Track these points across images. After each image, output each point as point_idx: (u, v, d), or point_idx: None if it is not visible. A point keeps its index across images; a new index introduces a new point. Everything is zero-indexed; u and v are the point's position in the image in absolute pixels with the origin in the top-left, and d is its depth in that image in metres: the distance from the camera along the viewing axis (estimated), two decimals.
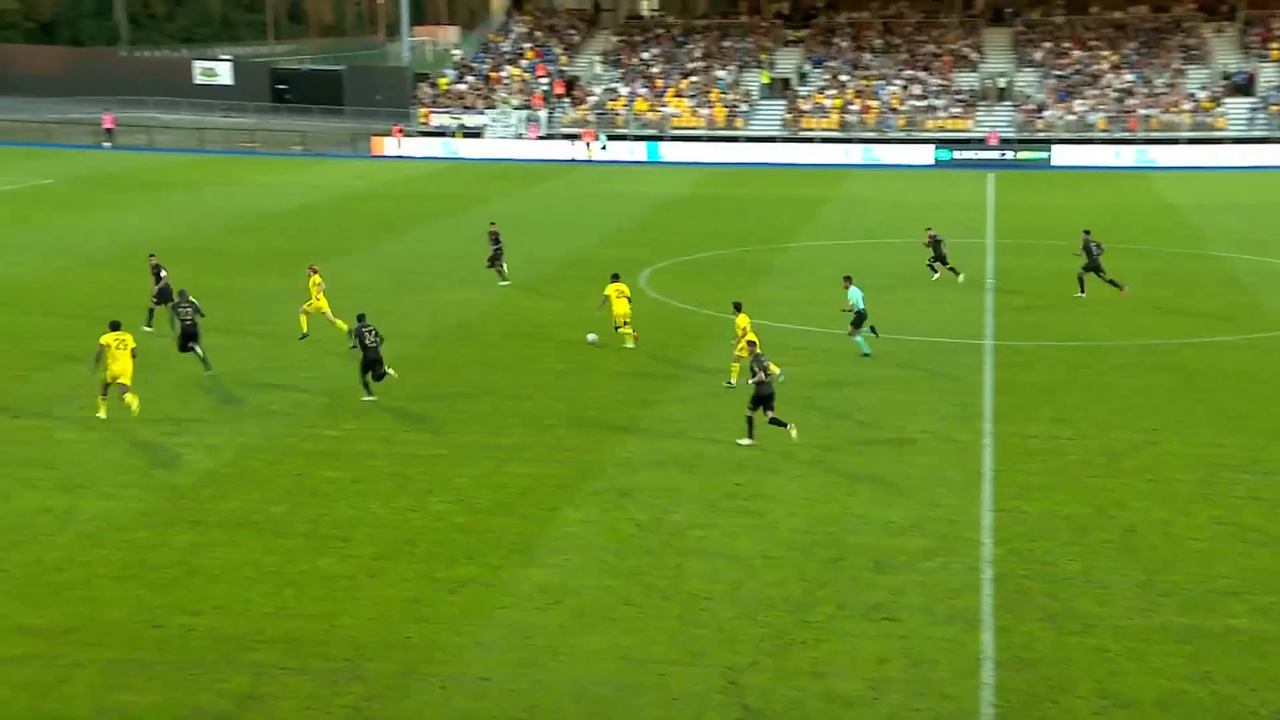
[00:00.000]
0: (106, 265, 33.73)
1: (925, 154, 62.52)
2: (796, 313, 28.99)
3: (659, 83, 70.27)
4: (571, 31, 78.13)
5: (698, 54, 73.19)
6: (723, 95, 68.56)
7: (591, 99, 69.43)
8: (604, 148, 64.32)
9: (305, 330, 25.54)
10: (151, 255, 27.99)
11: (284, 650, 13.21)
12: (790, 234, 40.55)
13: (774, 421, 19.45)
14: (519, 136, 67.51)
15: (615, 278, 25.93)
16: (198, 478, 18.01)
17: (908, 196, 50.28)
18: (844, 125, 65.44)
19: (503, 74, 72.49)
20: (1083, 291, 29.98)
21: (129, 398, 19.75)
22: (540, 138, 67.13)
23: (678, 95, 68.87)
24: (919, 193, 51.54)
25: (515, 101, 69.54)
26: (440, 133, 68.34)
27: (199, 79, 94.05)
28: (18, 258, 34.01)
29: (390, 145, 66.75)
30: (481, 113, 69.07)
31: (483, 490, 17.86)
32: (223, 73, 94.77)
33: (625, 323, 25.36)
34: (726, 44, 74.09)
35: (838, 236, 40.40)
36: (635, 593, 14.65)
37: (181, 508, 16.88)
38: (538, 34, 77.67)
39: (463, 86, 71.81)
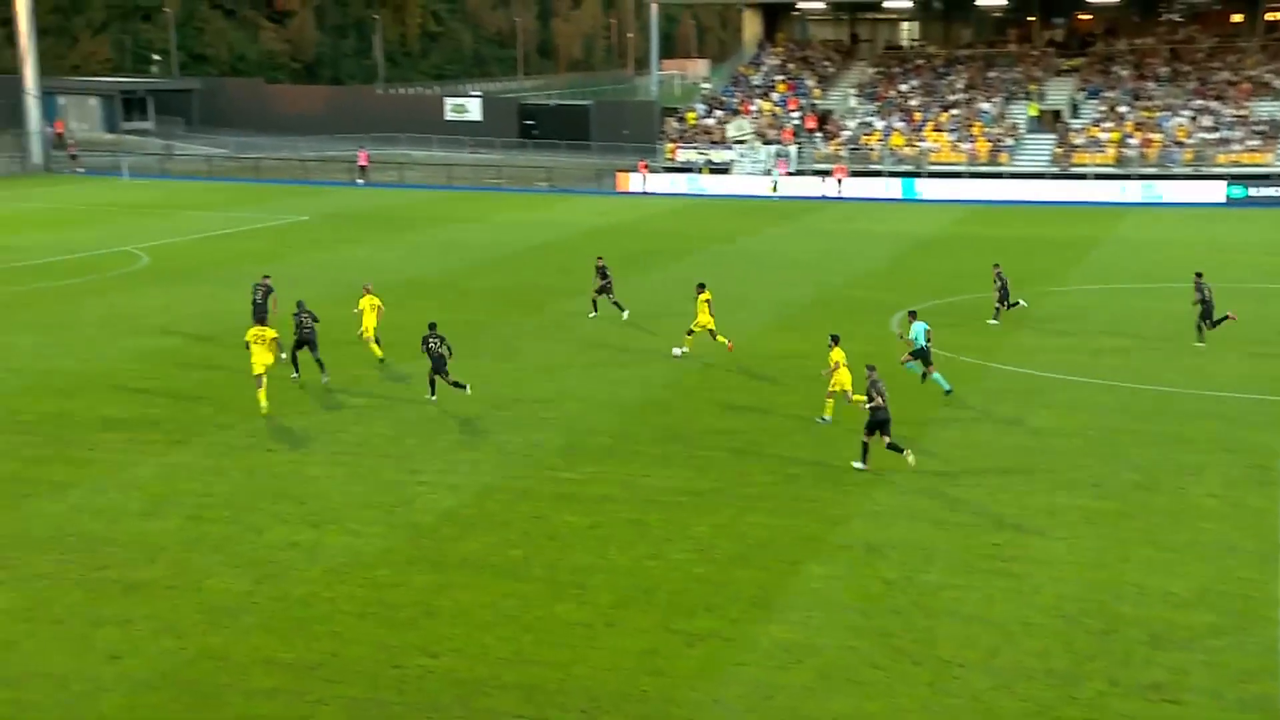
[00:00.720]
0: (351, 302, 35.82)
1: (1216, 191, 59.22)
2: (1063, 361, 27.88)
3: (917, 116, 69.33)
4: (826, 63, 78.14)
5: (960, 85, 71.85)
6: (986, 129, 66.99)
7: (845, 133, 69.13)
8: (774, 186, 64.50)
9: (381, 356, 27.59)
10: (266, 277, 30.46)
11: (520, 698, 13.56)
12: (1057, 277, 39.09)
13: (891, 447, 20.23)
14: (767, 173, 67.84)
15: (701, 287, 28.25)
16: (438, 517, 18.78)
17: (1194, 237, 47.68)
18: (1121, 160, 62.76)
19: (752, 107, 73.14)
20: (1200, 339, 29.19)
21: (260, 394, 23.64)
22: (790, 174, 67.26)
23: (937, 129, 67.74)
24: (1207, 233, 48.81)
25: (758, 136, 69.95)
26: (686, 168, 69.47)
27: (449, 115, 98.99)
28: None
29: (635, 181, 68.32)
30: (729, 148, 69.83)
31: (722, 540, 17.90)
32: (472, 109, 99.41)
33: (711, 331, 27.88)
34: (992, 74, 72.45)
35: (1110, 280, 38.67)
36: (882, 655, 14.34)
37: (422, 547, 17.63)
38: (790, 66, 78.07)
39: (711, 120, 72.84)
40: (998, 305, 31.88)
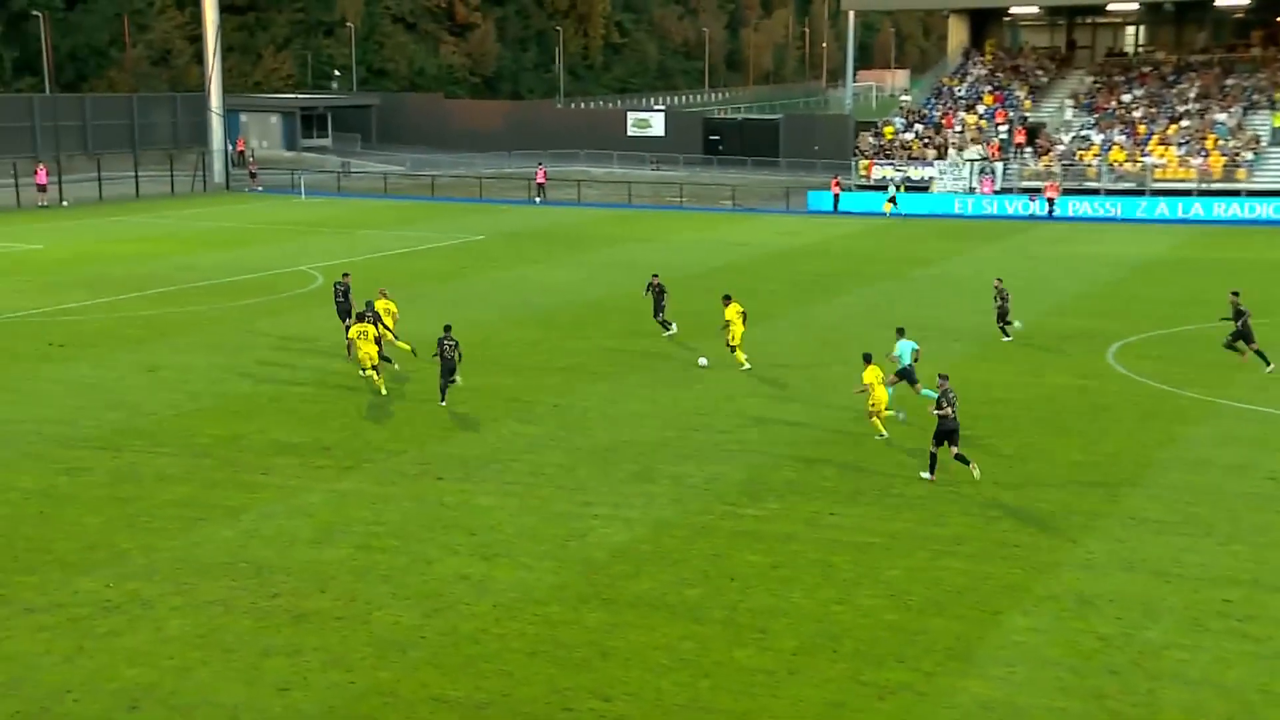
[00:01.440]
0: (526, 324, 36.49)
1: None
2: None
3: (1141, 129, 67.02)
4: (1039, 72, 76.33)
5: (1192, 94, 69.20)
6: (1222, 142, 64.27)
7: (1057, 148, 67.31)
8: (893, 200, 63.26)
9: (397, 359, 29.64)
10: (345, 275, 32.59)
11: None
12: None
13: (959, 458, 21.35)
14: (970, 190, 66.58)
15: (728, 299, 30.06)
16: (612, 552, 18.90)
17: None
18: None
19: (955, 121, 71.91)
20: (1245, 356, 29.12)
21: (379, 381, 27.30)
22: (996, 192, 65.85)
23: (1163, 143, 65.33)
24: None
25: (970, 152, 68.68)
26: (882, 186, 68.72)
27: (631, 130, 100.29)
28: (445, 314, 37.52)
29: (827, 200, 67.87)
30: (929, 164, 68.78)
31: (916, 585, 17.52)
32: (655, 124, 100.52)
33: (735, 346, 29.49)
34: (1230, 82, 69.57)
35: None
36: (1097, 719, 13.80)
37: (595, 583, 17.76)
38: (999, 76, 76.51)
39: (910, 135, 71.90)
40: (1001, 324, 33.00)
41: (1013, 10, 79.50)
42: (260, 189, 76.22)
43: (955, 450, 21.30)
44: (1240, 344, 29.02)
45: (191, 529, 19.48)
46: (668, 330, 33.94)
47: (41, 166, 66.65)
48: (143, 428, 24.93)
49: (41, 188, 65.00)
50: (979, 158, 68.02)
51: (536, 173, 74.77)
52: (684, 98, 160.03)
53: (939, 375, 22.32)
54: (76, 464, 22.51)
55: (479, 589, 17.48)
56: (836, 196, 67.46)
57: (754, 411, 26.37)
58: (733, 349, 29.91)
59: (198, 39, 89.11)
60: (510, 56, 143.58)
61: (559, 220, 63.71)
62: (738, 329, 29.72)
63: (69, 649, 15.41)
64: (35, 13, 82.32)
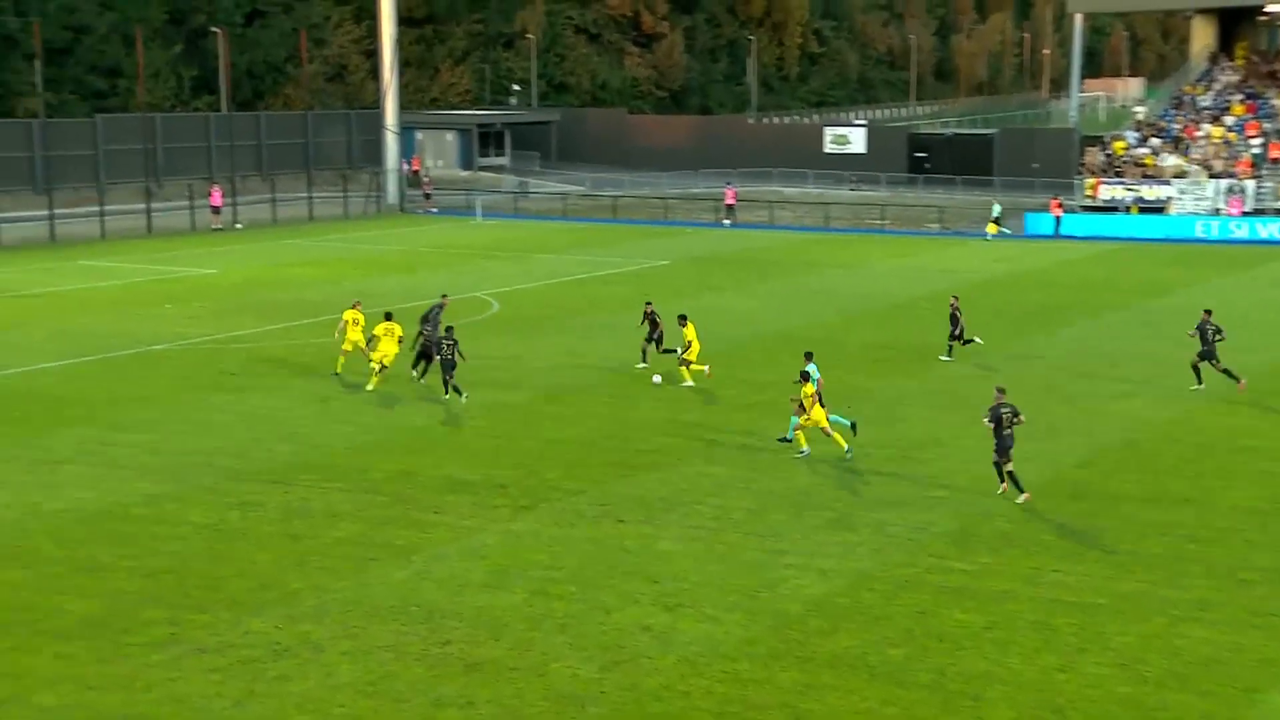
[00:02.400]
0: (712, 356, 36.58)
1: None
2: None
3: None
4: None
5: None
6: None
7: None
8: (996, 222, 61.13)
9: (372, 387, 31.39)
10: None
11: None
12: None
13: (1010, 475, 23.05)
14: (1216, 212, 64.28)
15: (684, 320, 32.49)
16: (806, 606, 18.76)
17: None
18: None
19: (1198, 133, 69.61)
20: (1199, 382, 31.04)
21: (374, 379, 30.87)
22: (1246, 214, 63.43)
23: None
24: None
25: (1203, 169, 66.42)
26: (1111, 208, 66.91)
27: (829, 147, 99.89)
28: (627, 343, 37.94)
29: (1046, 222, 66.40)
30: (1167, 183, 66.69)
31: (1152, 654, 16.93)
32: (855, 139, 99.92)
33: (689, 362, 31.93)
34: None
35: None
36: None
37: (788, 639, 17.64)
38: (1252, 83, 73.79)
39: (1144, 151, 69.87)
40: (956, 342, 35.28)
41: (1270, 8, 76.37)
42: (435, 210, 78.38)
43: (1008, 467, 23.18)
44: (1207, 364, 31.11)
45: (362, 569, 20.06)
46: (642, 364, 34.08)
47: (216, 188, 69.82)
48: (314, 461, 25.82)
49: (215, 210, 68.07)
50: (1225, 175, 65.64)
51: (725, 193, 75.07)
52: (887, 111, 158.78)
53: (996, 389, 23.82)
54: (248, 498, 23.44)
55: (662, 641, 17.54)
56: (1058, 219, 65.93)
57: (964, 457, 25.89)
58: (685, 364, 32.27)
59: (374, 53, 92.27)
60: (699, 68, 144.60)
61: (749, 244, 63.80)
62: (697, 348, 32.25)
63: (239, 693, 16.02)
64: (214, 29, 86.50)
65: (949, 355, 35.39)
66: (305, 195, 75.11)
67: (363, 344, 32.27)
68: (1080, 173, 71.00)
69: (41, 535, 21.35)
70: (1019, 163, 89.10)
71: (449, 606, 18.60)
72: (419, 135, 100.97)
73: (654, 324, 34.32)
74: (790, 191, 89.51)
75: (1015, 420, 23.26)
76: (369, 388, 31.33)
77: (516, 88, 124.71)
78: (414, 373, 32.48)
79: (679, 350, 32.86)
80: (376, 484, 24.40)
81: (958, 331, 35.42)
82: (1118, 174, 68.59)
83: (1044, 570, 19.97)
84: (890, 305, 44.18)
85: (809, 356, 27.96)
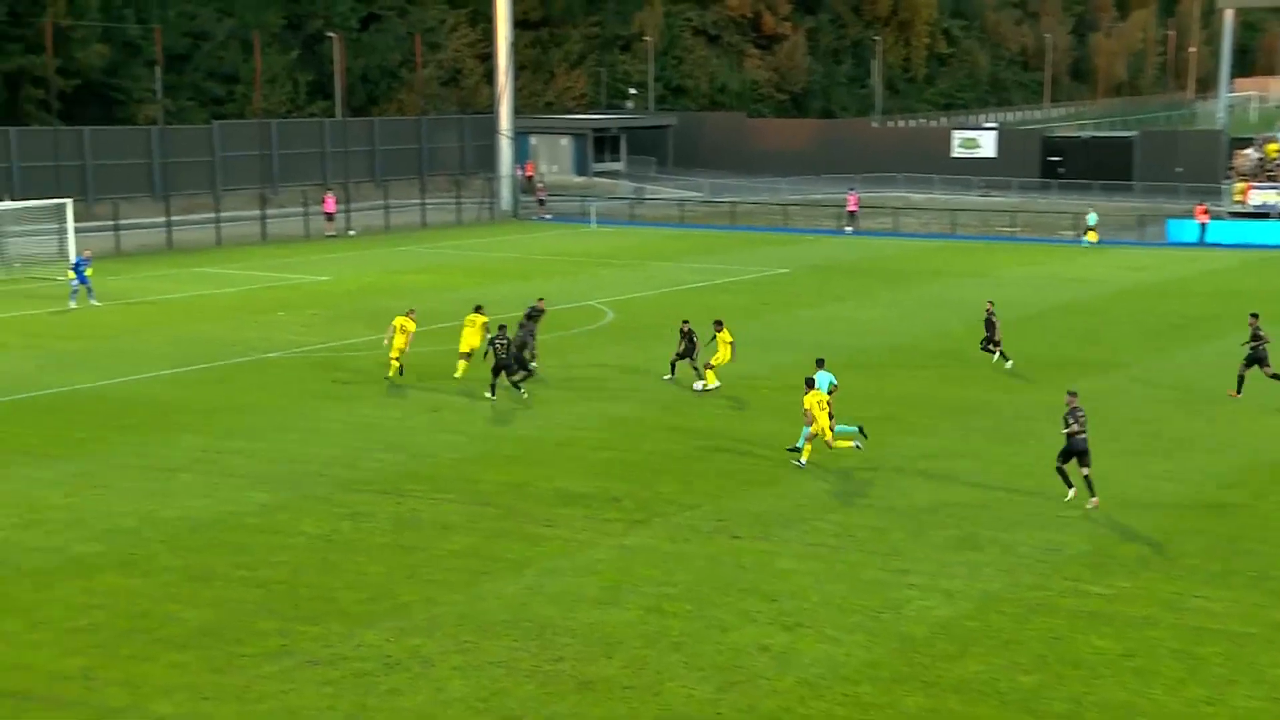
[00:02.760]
0: (832, 368, 36.38)
1: None
2: None
3: None
4: None
5: None
6: None
7: None
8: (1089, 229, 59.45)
9: (394, 373, 33.55)
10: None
11: None
12: None
13: (1087, 481, 23.40)
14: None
15: (719, 325, 33.21)
16: (932, 628, 18.55)
17: None
18: None
19: None
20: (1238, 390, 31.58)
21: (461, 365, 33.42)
22: None
23: None
24: None
25: None
26: (1261, 214, 65.25)
27: (957, 151, 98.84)
28: (743, 354, 37.84)
29: (1190, 229, 64.96)
30: None
31: None
32: (984, 143, 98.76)
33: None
34: None
35: None
36: None
37: (913, 663, 17.46)
38: None
39: None
40: (990, 348, 35.63)
41: None
42: (549, 217, 78.99)
43: (1085, 471, 23.56)
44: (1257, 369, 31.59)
45: (473, 583, 20.27)
46: (670, 376, 34.24)
47: (330, 194, 71.13)
48: (424, 472, 26.16)
49: (329, 216, 69.31)
50: None
51: (848, 199, 74.63)
52: (1019, 114, 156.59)
53: (1068, 392, 24.31)
54: (359, 509, 23.82)
55: (780, 662, 17.46)
56: (1203, 226, 64.45)
57: (1097, 473, 25.42)
58: (708, 365, 33.03)
59: (489, 57, 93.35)
60: (821, 70, 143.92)
61: (872, 252, 63.34)
62: (725, 356, 33.01)
63: (351, 707, 16.27)
64: (330, 34, 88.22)
65: (1005, 361, 35.48)
66: (418, 202, 76.16)
67: (405, 350, 33.55)
68: (1228, 177, 69.35)
69: (157, 543, 21.90)
70: (1161, 166, 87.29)
71: (561, 622, 18.72)
72: (533, 140, 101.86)
73: (691, 342, 33.91)
74: (916, 197, 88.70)
75: (1077, 426, 23.65)
76: (388, 375, 33.73)
77: (633, 91, 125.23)
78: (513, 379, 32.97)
79: (708, 360, 33.38)
80: (488, 495, 24.64)
81: (995, 337, 35.65)
82: (1270, 178, 66.86)
83: (1186, 596, 19.53)
84: (1020, 316, 43.52)
85: (820, 363, 28.21)
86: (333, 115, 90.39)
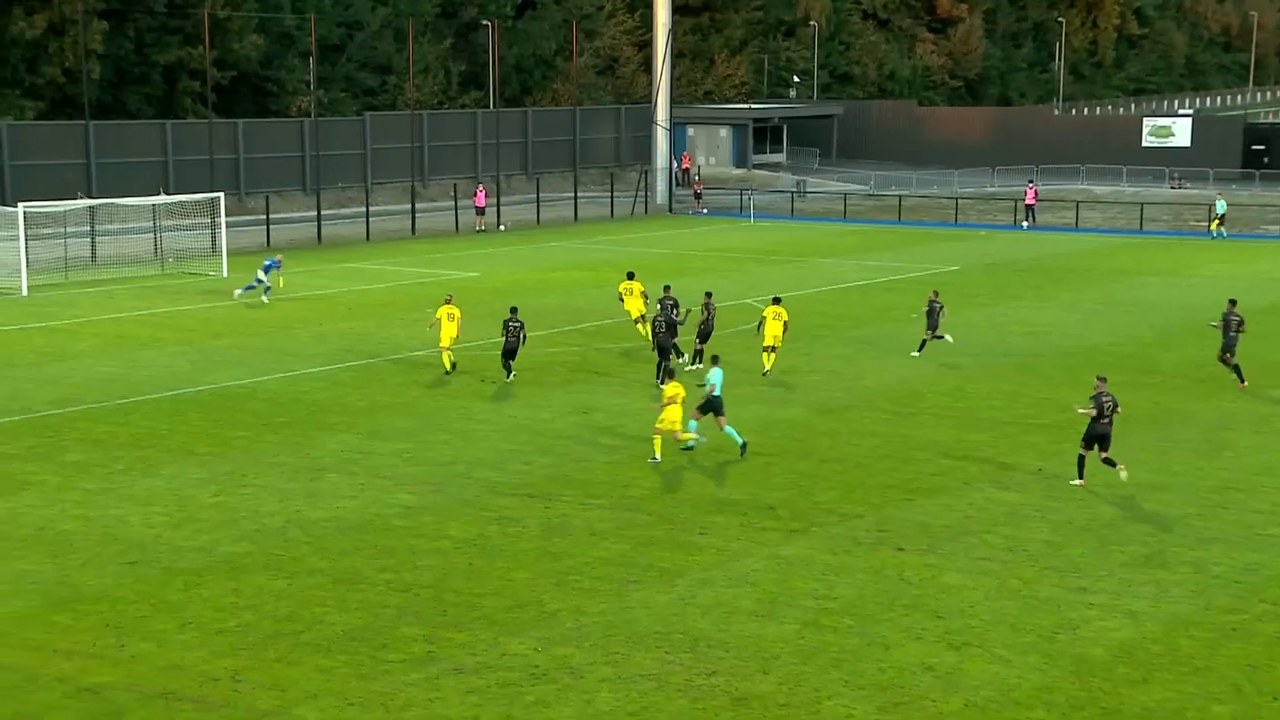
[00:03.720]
0: (1004, 372, 35.77)
1: None
2: None
3: None
4: None
5: None
6: None
7: None
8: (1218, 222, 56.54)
9: (448, 369, 35.00)
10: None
11: None
12: None
13: (1106, 461, 24.63)
14: None
15: (776, 300, 35.43)
16: (1113, 652, 18.17)
17: None
18: None
19: None
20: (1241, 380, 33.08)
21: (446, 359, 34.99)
22: None
23: None
24: None
25: None
26: None
27: (1147, 140, 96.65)
28: (899, 356, 37.43)
29: None
30: None
31: None
32: (1179, 131, 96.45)
33: (773, 347, 34.83)
34: None
35: None
36: None
37: (1091, 688, 17.12)
38: None
39: None
40: (925, 337, 37.16)
41: None
42: (705, 211, 79.12)
43: (1104, 455, 24.73)
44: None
45: (623, 592, 20.41)
46: (693, 366, 35.24)
47: (481, 188, 72.23)
48: (574, 476, 26.41)
49: (480, 210, 70.38)
50: None
51: (1025, 192, 73.42)
52: (1218, 99, 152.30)
53: (1097, 378, 25.50)
54: (507, 513, 24.15)
55: (947, 683, 17.27)
56: None
57: None
58: (770, 349, 34.65)
59: (647, 44, 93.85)
60: (999, 55, 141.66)
61: (1051, 249, 62.20)
62: (776, 328, 34.68)
63: (497, 717, 16.50)
64: (485, 22, 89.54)
65: (919, 351, 37.29)
66: (571, 195, 76.92)
67: (454, 336, 35.05)
68: None
69: (304, 545, 22.48)
70: None
71: (715, 635, 18.75)
72: (690, 131, 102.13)
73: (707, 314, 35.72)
74: (1100, 190, 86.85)
75: (1114, 410, 24.92)
76: (446, 370, 35.01)
77: (796, 79, 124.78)
78: (683, 360, 35.66)
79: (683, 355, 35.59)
80: (638, 502, 24.79)
81: (933, 324, 36.92)
82: None
83: None
84: (1217, 318, 42.31)
85: (715, 360, 28.80)
86: (485, 106, 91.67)
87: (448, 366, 35.08)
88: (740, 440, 27.47)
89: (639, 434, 29.52)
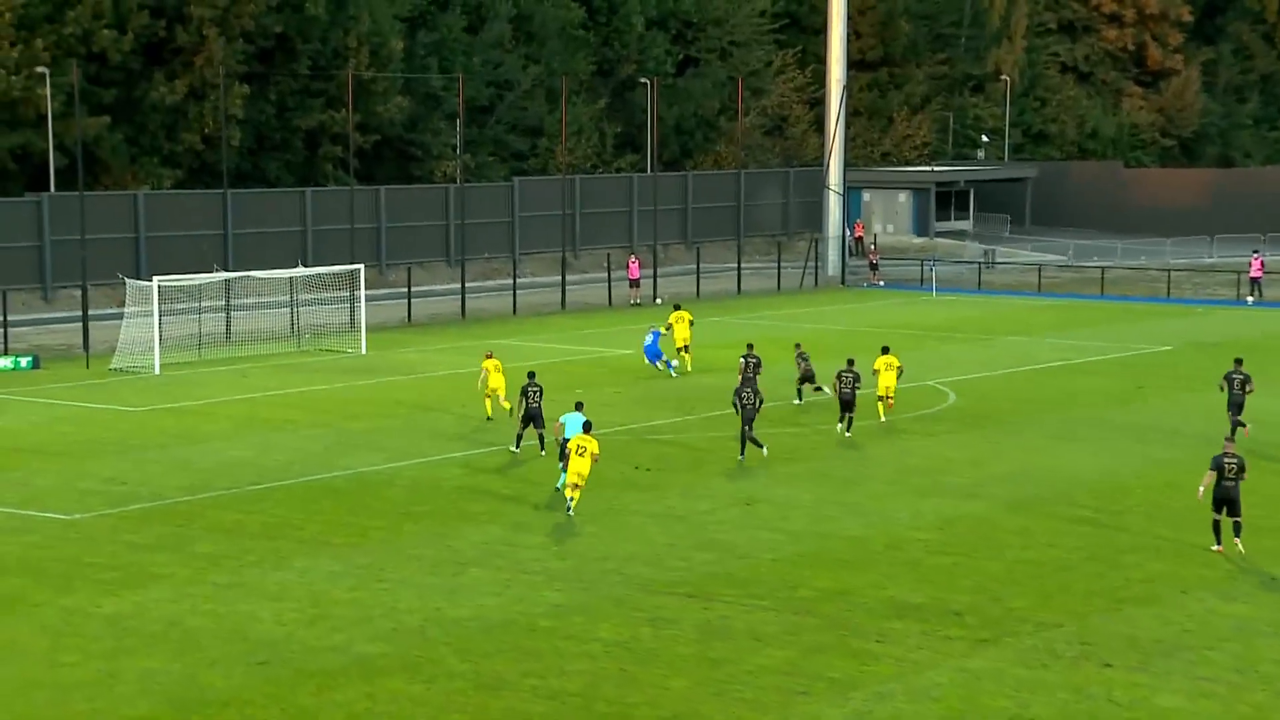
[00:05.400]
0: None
1: None
2: None
3: None
4: None
5: None
6: None
7: None
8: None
9: (491, 414, 39.91)
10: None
11: None
12: None
13: (1236, 528, 26.69)
14: None
15: (886, 350, 40.28)
16: None
17: None
18: None
19: None
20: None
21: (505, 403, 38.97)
22: None
23: None
24: None
25: None
26: None
27: None
28: (1118, 447, 36.68)
29: None
30: None
31: None
32: None
33: (886, 398, 39.77)
34: None
35: None
36: None
37: None
38: None
39: None
40: (799, 386, 42.51)
41: None
42: (881, 283, 78.81)
43: (1235, 519, 26.70)
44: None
45: (790, 705, 20.28)
46: (797, 401, 42.05)
47: (635, 258, 72.82)
48: (736, 573, 26.37)
49: (634, 283, 70.92)
50: None
51: (1250, 263, 71.84)
52: None
53: (1225, 438, 27.26)
54: (661, 613, 24.18)
55: None
56: None
57: None
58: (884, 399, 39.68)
59: (819, 102, 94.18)
60: (1220, 110, 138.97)
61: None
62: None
63: None
64: (643, 79, 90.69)
65: (799, 399, 42.28)
66: (734, 266, 77.20)
67: (504, 390, 39.38)
68: None
69: (444, 646, 22.74)
70: None
71: None
72: (866, 196, 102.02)
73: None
74: None
75: (1239, 474, 26.73)
76: (488, 415, 40.00)
77: (985, 139, 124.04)
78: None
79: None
80: (808, 604, 24.65)
81: (801, 377, 42.25)
82: None
83: None
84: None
85: (579, 406, 32.90)
86: (642, 170, 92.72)
87: (490, 410, 40.12)
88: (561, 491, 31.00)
89: (808, 529, 29.42)
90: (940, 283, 76.18)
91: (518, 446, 36.20)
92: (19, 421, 40.97)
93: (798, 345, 44.11)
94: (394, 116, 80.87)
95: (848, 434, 37.99)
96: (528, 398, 35.54)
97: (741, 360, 41.55)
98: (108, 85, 70.36)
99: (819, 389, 41.65)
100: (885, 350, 40.27)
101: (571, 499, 30.14)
